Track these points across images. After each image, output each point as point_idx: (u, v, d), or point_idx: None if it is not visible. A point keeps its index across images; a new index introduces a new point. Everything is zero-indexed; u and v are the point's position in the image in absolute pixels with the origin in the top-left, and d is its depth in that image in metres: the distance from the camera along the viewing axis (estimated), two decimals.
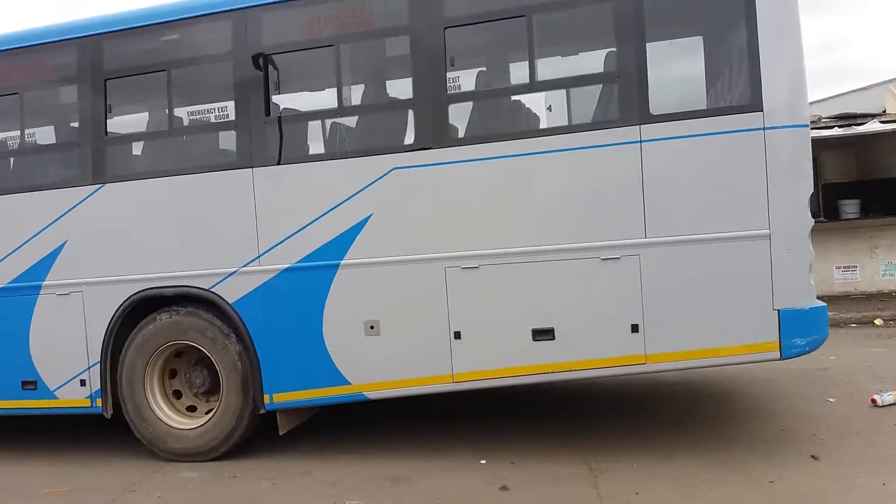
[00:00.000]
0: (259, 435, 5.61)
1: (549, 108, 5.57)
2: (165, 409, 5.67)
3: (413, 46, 5.24)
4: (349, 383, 5.25)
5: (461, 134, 5.26)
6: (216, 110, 6.17)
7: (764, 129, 4.60)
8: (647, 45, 4.87)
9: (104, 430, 5.91)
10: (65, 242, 5.69)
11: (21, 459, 5.94)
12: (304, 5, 5.40)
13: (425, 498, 4.48)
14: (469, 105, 5.35)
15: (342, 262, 5.20)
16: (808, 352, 4.71)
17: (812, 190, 4.72)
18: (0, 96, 5.96)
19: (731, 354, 4.76)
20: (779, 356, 4.63)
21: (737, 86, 4.84)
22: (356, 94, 5.90)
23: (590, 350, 4.88)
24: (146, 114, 6.38)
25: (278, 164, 5.41)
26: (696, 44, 5.57)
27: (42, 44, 5.81)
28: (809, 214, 4.69)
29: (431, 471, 4.97)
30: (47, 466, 5.66)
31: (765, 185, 4.59)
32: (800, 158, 4.71)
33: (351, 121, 5.70)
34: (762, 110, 4.61)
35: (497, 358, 5.01)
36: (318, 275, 5.26)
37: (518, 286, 4.97)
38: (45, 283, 5.72)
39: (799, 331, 4.61)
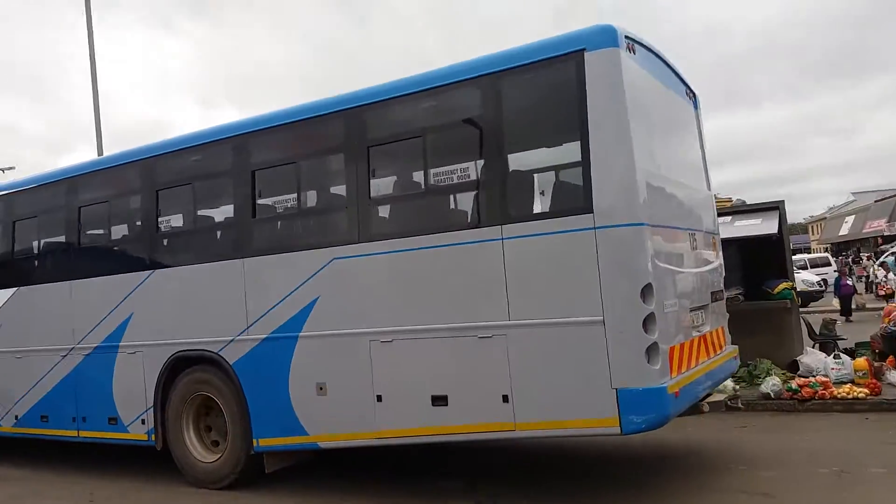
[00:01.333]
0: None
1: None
2: (196, 444, 7.28)
3: (346, 162, 6.46)
4: (307, 434, 6.43)
5: (376, 231, 6.26)
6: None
7: (594, 228, 5.15)
8: (508, 156, 5.66)
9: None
10: (131, 314, 7.62)
11: None
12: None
13: None
14: (387, 207, 6.44)
15: (300, 334, 6.44)
16: (645, 429, 5.13)
17: (647, 281, 5.09)
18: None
19: (583, 427, 5.31)
20: (619, 432, 5.08)
21: (575, 191, 5.36)
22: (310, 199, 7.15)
23: (475, 415, 5.62)
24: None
25: (260, 255, 6.83)
26: (548, 155, 6.10)
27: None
28: (643, 303, 5.05)
29: None
30: None
31: (597, 277, 5.11)
32: (630, 253, 5.14)
33: (305, 220, 7.05)
34: (592, 212, 5.17)
35: (407, 419, 5.93)
36: (284, 343, 6.52)
37: (421, 358, 5.88)
38: (121, 343, 7.69)
39: (635, 409, 5.00)
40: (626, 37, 5.39)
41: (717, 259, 7.02)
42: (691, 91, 7.20)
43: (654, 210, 5.42)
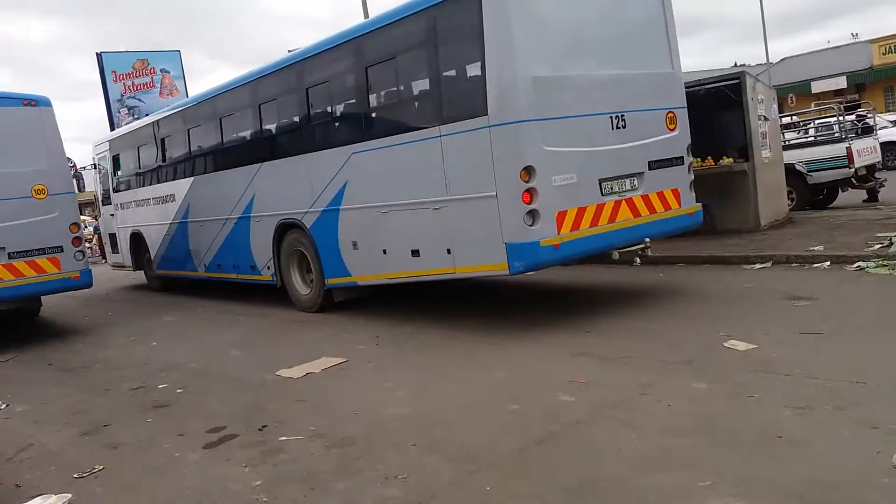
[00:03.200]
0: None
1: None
2: (300, 282, 9.99)
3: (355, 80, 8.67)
4: (351, 275, 8.93)
5: (373, 132, 8.38)
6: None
7: (489, 126, 6.80)
8: (442, 75, 7.57)
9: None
10: (254, 194, 10.58)
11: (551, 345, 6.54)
12: None
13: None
14: (379, 114, 8.62)
15: (340, 207, 8.83)
16: (523, 271, 7.06)
17: (526, 164, 6.68)
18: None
19: (489, 269, 7.25)
20: (507, 272, 6.97)
21: (478, 98, 6.90)
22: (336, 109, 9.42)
23: (433, 263, 7.70)
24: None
25: (313, 152, 9.27)
26: (469, 69, 7.53)
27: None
28: (521, 181, 6.68)
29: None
30: (571, 356, 6.10)
31: (492, 163, 6.82)
32: (511, 144, 6.75)
33: (337, 125, 9.35)
34: (487, 114, 6.79)
35: (399, 266, 8.16)
36: (332, 214, 8.94)
37: (403, 224, 7.97)
38: (252, 215, 10.61)
39: (516, 257, 6.81)
40: None
41: (668, 132, 8.01)
42: None
43: (546, 106, 6.83)
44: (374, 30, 8.28)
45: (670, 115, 8.09)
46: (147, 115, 17.34)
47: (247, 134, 10.84)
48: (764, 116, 12.25)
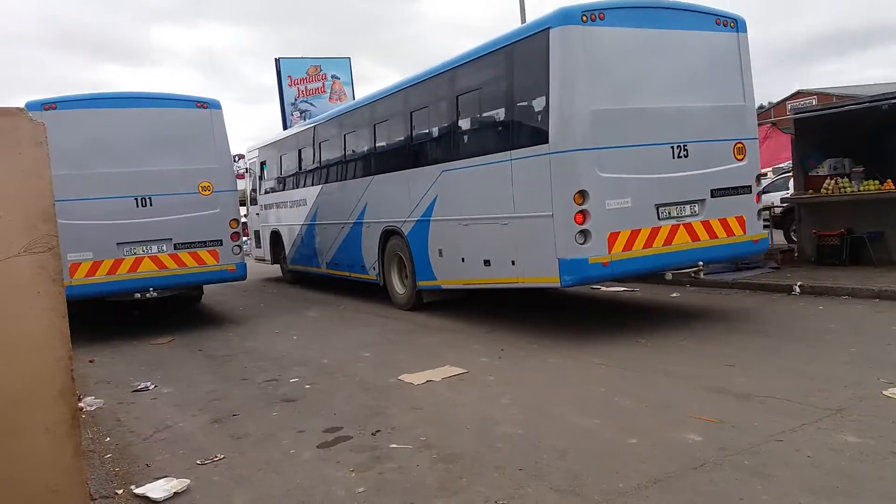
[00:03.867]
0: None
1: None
2: (398, 282, 11.11)
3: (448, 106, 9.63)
4: (436, 279, 9.89)
5: (460, 153, 9.33)
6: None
7: (549, 154, 7.57)
8: (516, 105, 8.39)
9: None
10: (366, 203, 11.68)
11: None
12: None
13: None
14: (464, 137, 9.50)
15: (430, 219, 9.80)
16: (573, 284, 7.89)
17: (579, 188, 7.34)
18: None
19: (545, 281, 7.97)
20: (559, 285, 7.73)
21: (542, 128, 7.72)
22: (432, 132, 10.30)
23: (501, 273, 8.54)
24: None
25: (411, 168, 10.32)
26: (535, 105, 8.23)
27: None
28: (575, 203, 7.33)
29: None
30: (706, 391, 5.61)
31: (550, 186, 7.51)
32: (567, 170, 7.45)
33: (430, 146, 10.24)
34: (548, 142, 7.56)
35: (474, 273, 9.09)
36: (424, 224, 9.95)
37: (477, 236, 8.87)
38: (364, 221, 11.85)
39: (566, 271, 7.48)
40: (585, 11, 7.41)
41: (736, 162, 8.33)
42: (728, 19, 8.41)
43: (603, 137, 7.46)
44: (464, 63, 9.18)
45: (739, 145, 8.41)
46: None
47: (363, 150, 12.14)
48: None
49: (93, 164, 10.16)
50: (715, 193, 8.10)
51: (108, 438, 5.73)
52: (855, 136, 11.87)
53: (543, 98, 7.66)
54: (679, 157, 7.88)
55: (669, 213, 7.87)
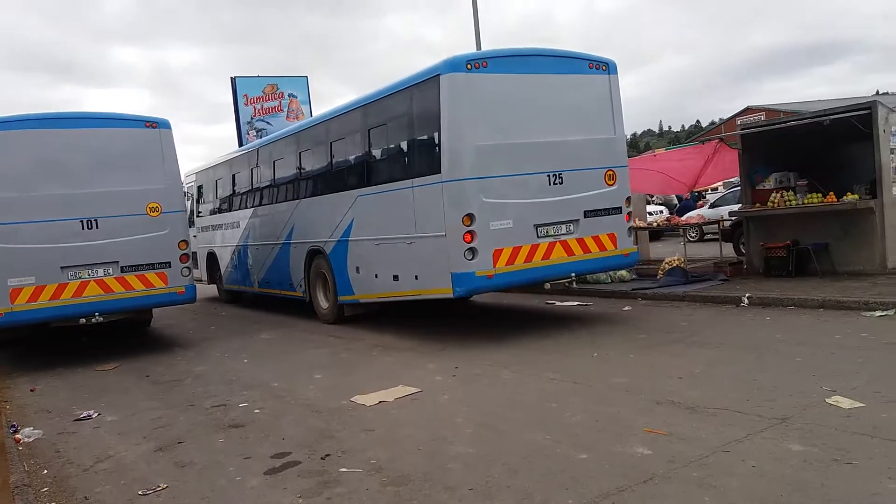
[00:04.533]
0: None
1: None
2: (322, 298, 12.02)
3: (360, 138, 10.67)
4: (354, 294, 10.88)
5: (370, 181, 10.35)
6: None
7: (442, 182, 8.63)
8: (416, 139, 9.54)
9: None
10: (294, 224, 12.57)
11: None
12: None
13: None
14: (373, 166, 10.49)
15: (349, 239, 10.76)
16: (464, 295, 8.94)
17: (467, 212, 8.46)
18: None
19: (440, 293, 8.91)
20: (452, 296, 8.71)
21: (437, 161, 8.73)
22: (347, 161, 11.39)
23: (407, 286, 9.55)
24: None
25: (332, 193, 11.29)
26: (431, 139, 9.17)
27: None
28: (463, 225, 8.45)
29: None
30: (654, 403, 5.49)
31: (443, 210, 8.62)
32: (457, 197, 8.55)
33: (347, 173, 11.20)
34: (441, 172, 8.62)
35: (385, 288, 10.07)
36: (344, 244, 10.89)
37: (388, 254, 9.80)
38: (291, 242, 12.69)
39: (457, 283, 8.57)
40: (470, 60, 8.58)
41: (606, 187, 9.50)
42: (601, 62, 9.61)
43: (486, 168, 8.56)
44: (372, 101, 10.18)
45: (609, 172, 9.58)
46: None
47: (290, 175, 13.02)
48: None
49: (37, 186, 9.88)
50: (588, 214, 9.26)
51: (45, 471, 5.50)
52: (799, 150, 12.20)
53: (437, 134, 8.68)
54: (555, 183, 9.03)
55: (548, 232, 9.01)
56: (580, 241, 9.21)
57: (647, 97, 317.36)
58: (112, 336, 12.30)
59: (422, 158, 9.23)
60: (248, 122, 32.65)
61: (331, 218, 11.13)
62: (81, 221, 10.05)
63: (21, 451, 6.02)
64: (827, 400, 5.39)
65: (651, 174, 14.86)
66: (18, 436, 6.42)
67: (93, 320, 10.08)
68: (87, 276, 10.03)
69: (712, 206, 21.44)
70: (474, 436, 5.42)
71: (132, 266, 10.32)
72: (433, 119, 8.71)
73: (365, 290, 10.58)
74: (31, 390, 8.62)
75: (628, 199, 9.73)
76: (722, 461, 4.44)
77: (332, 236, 11.14)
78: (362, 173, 10.52)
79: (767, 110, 46.69)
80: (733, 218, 14.94)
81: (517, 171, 8.79)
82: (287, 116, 33.02)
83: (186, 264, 10.79)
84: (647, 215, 19.98)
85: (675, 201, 27.98)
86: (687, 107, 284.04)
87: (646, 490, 4.12)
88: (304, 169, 12.46)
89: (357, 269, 10.62)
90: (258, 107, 33.18)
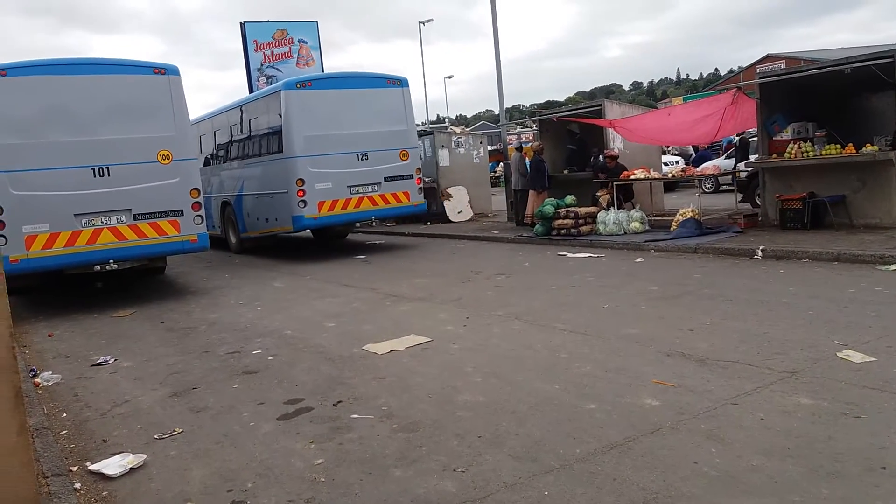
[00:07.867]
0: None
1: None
2: (232, 236, 16.41)
3: (246, 125, 15.91)
4: (248, 232, 15.51)
5: (251, 155, 15.52)
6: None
7: (285, 158, 13.44)
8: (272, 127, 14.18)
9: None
10: (213, 185, 17.12)
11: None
12: None
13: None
14: (247, 143, 15.85)
15: (242, 194, 15.47)
16: (298, 230, 14.27)
17: (298, 177, 13.25)
18: None
19: (287, 230, 13.96)
20: (292, 231, 14.00)
21: (281, 143, 13.56)
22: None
23: (273, 225, 14.50)
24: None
25: (233, 161, 16.30)
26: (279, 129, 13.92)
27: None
28: (296, 185, 13.19)
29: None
30: (664, 355, 5.64)
31: (286, 176, 13.36)
32: (292, 168, 13.25)
33: (235, 148, 16.61)
34: (283, 152, 13.49)
35: (263, 226, 14.92)
36: (240, 198, 15.57)
37: (263, 204, 14.63)
38: (212, 195, 16.72)
39: (294, 223, 13.45)
40: (299, 81, 13.41)
41: (401, 161, 14.24)
42: (395, 80, 14.37)
43: (312, 149, 13.23)
44: (247, 102, 15.73)
45: (403, 152, 14.26)
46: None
47: (208, 149, 17.67)
48: None
49: (47, 133, 9.88)
50: (387, 179, 13.94)
51: (65, 414, 5.63)
52: (819, 100, 11.96)
53: (281, 126, 13.37)
54: (362, 159, 13.70)
55: (358, 191, 13.62)
56: (382, 196, 13.90)
57: (665, 44, 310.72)
58: (127, 283, 12.43)
59: (274, 142, 13.71)
60: (259, 69, 32.24)
61: (232, 180, 15.94)
62: (93, 169, 10.07)
63: (40, 394, 6.15)
64: (838, 354, 5.40)
65: (663, 132, 14.56)
66: (38, 380, 6.55)
67: (107, 267, 10.18)
68: (100, 223, 10.10)
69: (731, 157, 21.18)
70: (484, 385, 5.48)
71: (145, 214, 10.37)
72: (279, 117, 13.39)
73: (253, 229, 15.15)
74: (49, 335, 8.77)
75: (418, 168, 14.56)
76: (730, 413, 4.47)
77: (234, 192, 15.75)
78: (247, 150, 15.23)
79: (788, 58, 45.70)
80: (750, 169, 14.73)
81: (334, 151, 13.31)
82: (297, 63, 32.53)
83: (199, 212, 10.83)
84: (663, 165, 19.74)
85: (691, 151, 27.64)
86: (705, 54, 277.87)
87: (653, 441, 4.17)
88: (218, 143, 17.18)
89: (248, 214, 15.15)
90: (268, 53, 32.70)
